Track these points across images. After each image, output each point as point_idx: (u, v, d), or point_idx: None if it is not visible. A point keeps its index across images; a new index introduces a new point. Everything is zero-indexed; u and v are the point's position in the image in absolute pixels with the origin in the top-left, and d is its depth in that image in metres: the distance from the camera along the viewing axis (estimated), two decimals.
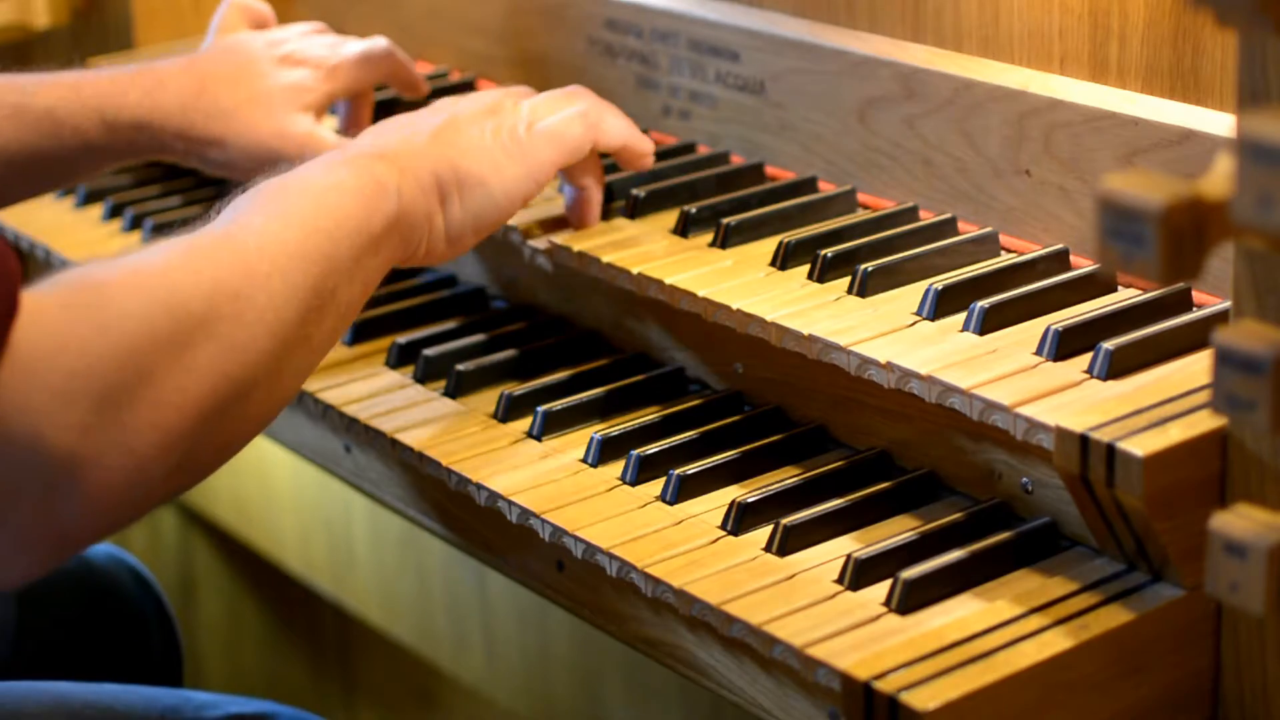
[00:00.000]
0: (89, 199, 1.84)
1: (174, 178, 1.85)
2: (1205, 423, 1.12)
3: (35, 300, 1.05)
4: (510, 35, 1.75)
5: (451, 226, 1.36)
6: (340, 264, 1.25)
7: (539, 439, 1.39)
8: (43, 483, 1.04)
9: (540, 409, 1.39)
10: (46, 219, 1.81)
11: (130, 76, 1.58)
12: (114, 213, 1.80)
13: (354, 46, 1.65)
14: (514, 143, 1.40)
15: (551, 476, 1.34)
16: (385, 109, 1.71)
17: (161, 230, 1.70)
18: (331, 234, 1.25)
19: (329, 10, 1.95)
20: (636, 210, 1.50)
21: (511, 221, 1.49)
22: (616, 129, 1.47)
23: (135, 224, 1.77)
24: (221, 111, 1.57)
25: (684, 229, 1.46)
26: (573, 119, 1.44)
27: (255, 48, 1.63)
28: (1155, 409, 1.14)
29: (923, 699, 1.06)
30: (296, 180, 1.28)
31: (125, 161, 1.61)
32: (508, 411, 1.42)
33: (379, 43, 1.66)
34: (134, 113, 1.55)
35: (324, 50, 1.64)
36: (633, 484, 1.32)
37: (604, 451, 1.35)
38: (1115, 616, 1.13)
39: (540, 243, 1.48)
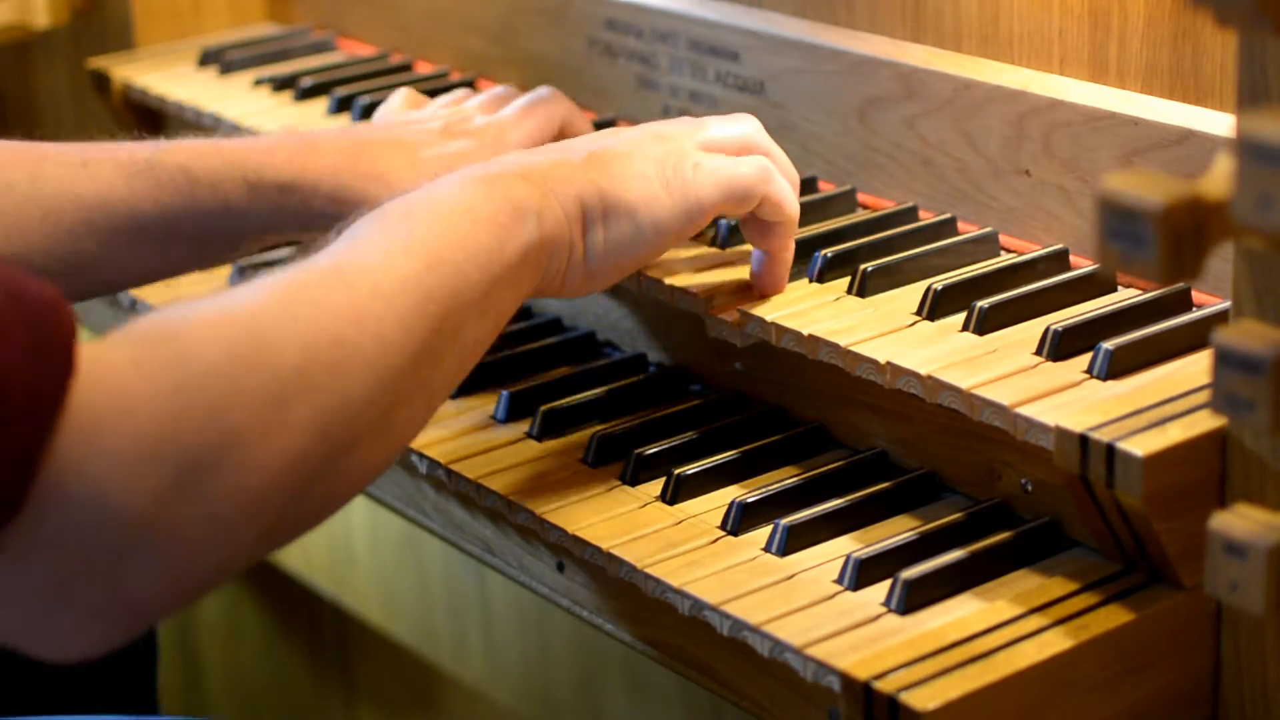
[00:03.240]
0: None
1: None
2: (1205, 423, 1.12)
3: (101, 355, 0.97)
4: (510, 35, 1.75)
5: (593, 258, 1.26)
6: (467, 298, 1.15)
7: (539, 439, 1.39)
8: (112, 554, 0.97)
9: (541, 409, 1.39)
10: None
11: (277, 138, 1.45)
12: None
13: (519, 105, 1.51)
14: (676, 175, 1.28)
15: (551, 476, 1.34)
16: None
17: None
18: (460, 266, 1.15)
19: (329, 10, 1.95)
20: None
21: None
22: (785, 194, 1.32)
23: None
24: (378, 175, 1.42)
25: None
26: (746, 166, 1.30)
27: (416, 118, 1.51)
28: (1155, 409, 1.14)
29: (923, 699, 1.06)
30: (424, 202, 1.18)
31: (270, 235, 1.44)
32: (508, 412, 1.42)
33: (540, 93, 1.53)
34: (281, 173, 1.40)
35: (484, 119, 1.50)
36: (632, 484, 1.33)
37: (604, 451, 1.35)
38: (1115, 616, 1.13)
39: None
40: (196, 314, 1.03)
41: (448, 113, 1.51)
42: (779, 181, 1.32)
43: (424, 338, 1.11)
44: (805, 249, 1.40)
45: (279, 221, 1.42)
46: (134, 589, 0.99)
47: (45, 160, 1.39)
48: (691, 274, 1.39)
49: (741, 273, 1.39)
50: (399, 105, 1.55)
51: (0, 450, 0.93)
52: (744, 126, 1.35)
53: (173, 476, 0.98)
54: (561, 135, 1.52)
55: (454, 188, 1.20)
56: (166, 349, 1.00)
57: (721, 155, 1.31)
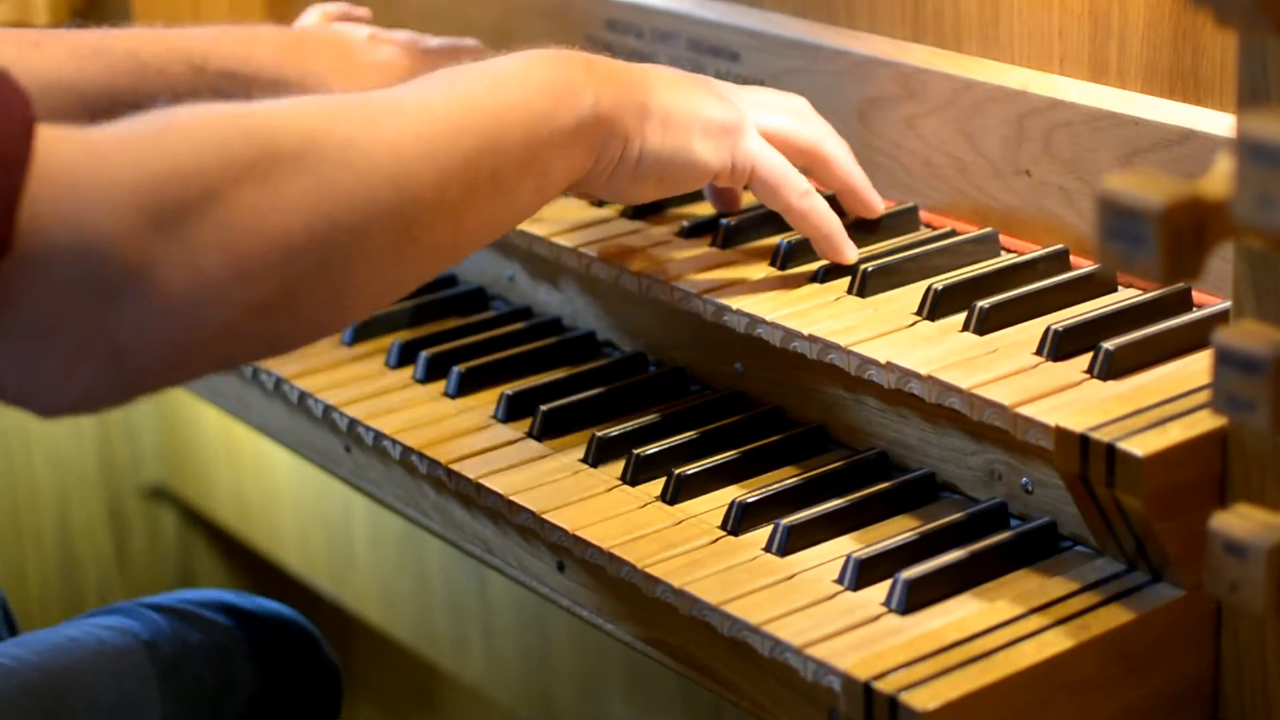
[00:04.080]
0: None
1: None
2: (1205, 423, 1.12)
3: (96, 131, 1.04)
4: (509, 35, 1.75)
5: (646, 157, 1.31)
6: (507, 148, 1.20)
7: (539, 439, 1.39)
8: (97, 295, 1.02)
9: (540, 409, 1.40)
10: None
11: (219, 29, 1.52)
12: None
13: (446, 40, 1.62)
14: (740, 126, 1.34)
15: (551, 476, 1.34)
16: None
17: None
18: (502, 117, 1.20)
19: None
20: (638, 212, 1.50)
21: None
22: (824, 213, 1.38)
23: None
24: (313, 74, 1.50)
25: (686, 230, 1.46)
26: (794, 173, 1.36)
27: (347, 26, 1.59)
28: (1155, 409, 1.14)
29: (923, 699, 1.06)
30: (480, 65, 1.25)
31: None
32: (508, 412, 1.42)
33: (469, 41, 1.63)
34: (225, 61, 1.48)
35: (412, 35, 1.61)
36: (632, 484, 1.32)
37: (604, 451, 1.35)
38: (1115, 616, 1.13)
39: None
40: (215, 107, 1.09)
41: (373, 29, 1.59)
42: (830, 143, 1.39)
43: (450, 167, 1.16)
44: (805, 249, 1.40)
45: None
46: (120, 333, 1.03)
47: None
48: (692, 274, 1.39)
49: (742, 272, 1.39)
50: (317, 18, 1.63)
51: None
52: (802, 102, 1.41)
53: (153, 221, 1.03)
54: None
55: (512, 58, 1.26)
56: (161, 120, 1.07)
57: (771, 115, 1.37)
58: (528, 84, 1.24)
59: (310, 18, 1.64)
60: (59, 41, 1.45)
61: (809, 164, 1.39)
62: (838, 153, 1.40)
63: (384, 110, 1.15)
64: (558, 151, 1.25)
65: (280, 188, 1.08)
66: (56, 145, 1.02)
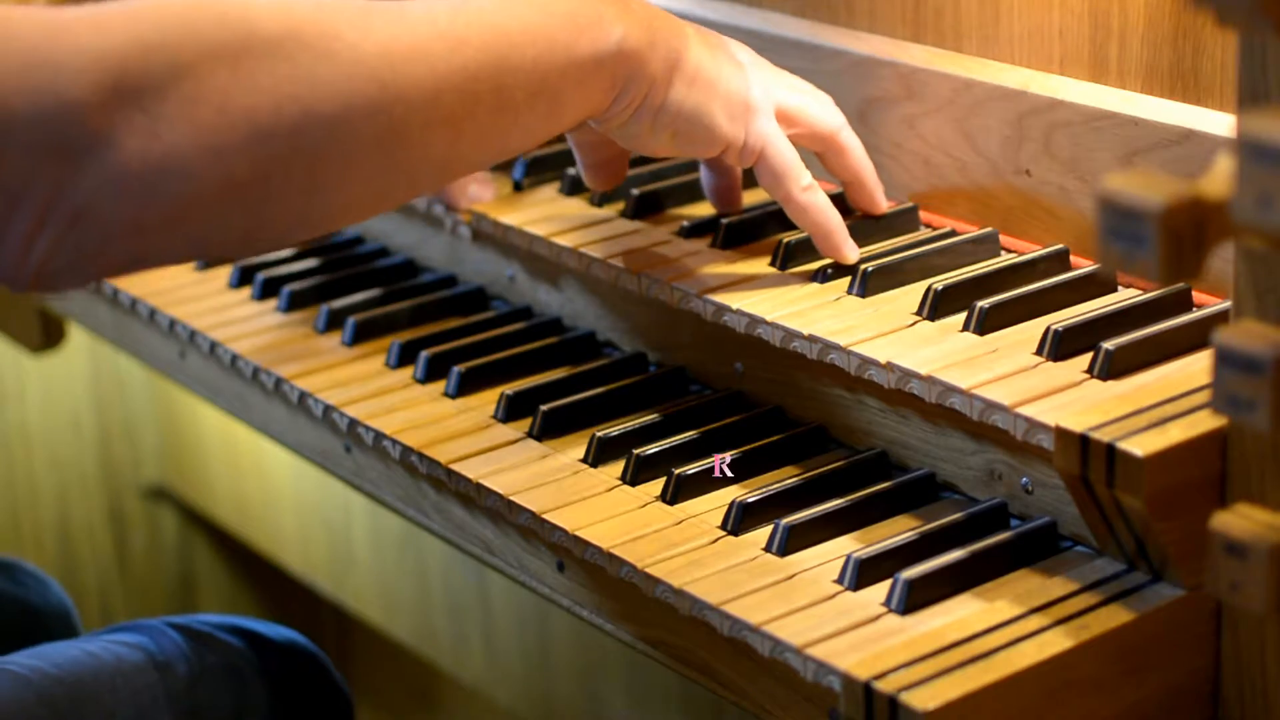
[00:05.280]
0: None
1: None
2: (1205, 423, 1.12)
3: (64, 9, 1.06)
4: None
5: (668, 107, 1.30)
6: (513, 66, 1.19)
7: (539, 439, 1.39)
8: (56, 156, 1.04)
9: (540, 409, 1.40)
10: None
11: None
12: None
13: None
14: (758, 106, 1.34)
15: (551, 476, 1.34)
16: None
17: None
18: (510, 35, 1.19)
19: None
20: (638, 212, 1.50)
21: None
22: (825, 207, 1.37)
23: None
24: None
25: (686, 230, 1.46)
26: (799, 164, 1.36)
27: None
28: (1155, 409, 1.14)
29: (923, 699, 1.06)
30: None
31: None
32: (508, 412, 1.42)
33: None
34: None
35: None
36: (632, 484, 1.33)
37: (604, 451, 1.35)
38: (1115, 616, 1.13)
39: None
40: None
41: None
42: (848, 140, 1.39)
43: (446, 74, 1.16)
44: (806, 248, 1.40)
45: None
46: (81, 196, 1.06)
47: None
48: (692, 274, 1.39)
49: (742, 272, 1.39)
50: None
51: None
52: (830, 119, 1.40)
53: (116, 90, 1.05)
54: None
55: None
56: (127, 4, 1.09)
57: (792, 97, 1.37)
58: (549, 9, 1.23)
59: None
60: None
61: (824, 149, 1.40)
62: (853, 143, 1.40)
63: (381, 13, 1.16)
64: (572, 81, 1.24)
65: (251, 70, 1.09)
66: (21, 22, 1.04)
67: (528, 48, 1.21)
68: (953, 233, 1.43)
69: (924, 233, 1.44)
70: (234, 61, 1.08)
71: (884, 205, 1.43)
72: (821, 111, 1.39)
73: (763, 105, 1.35)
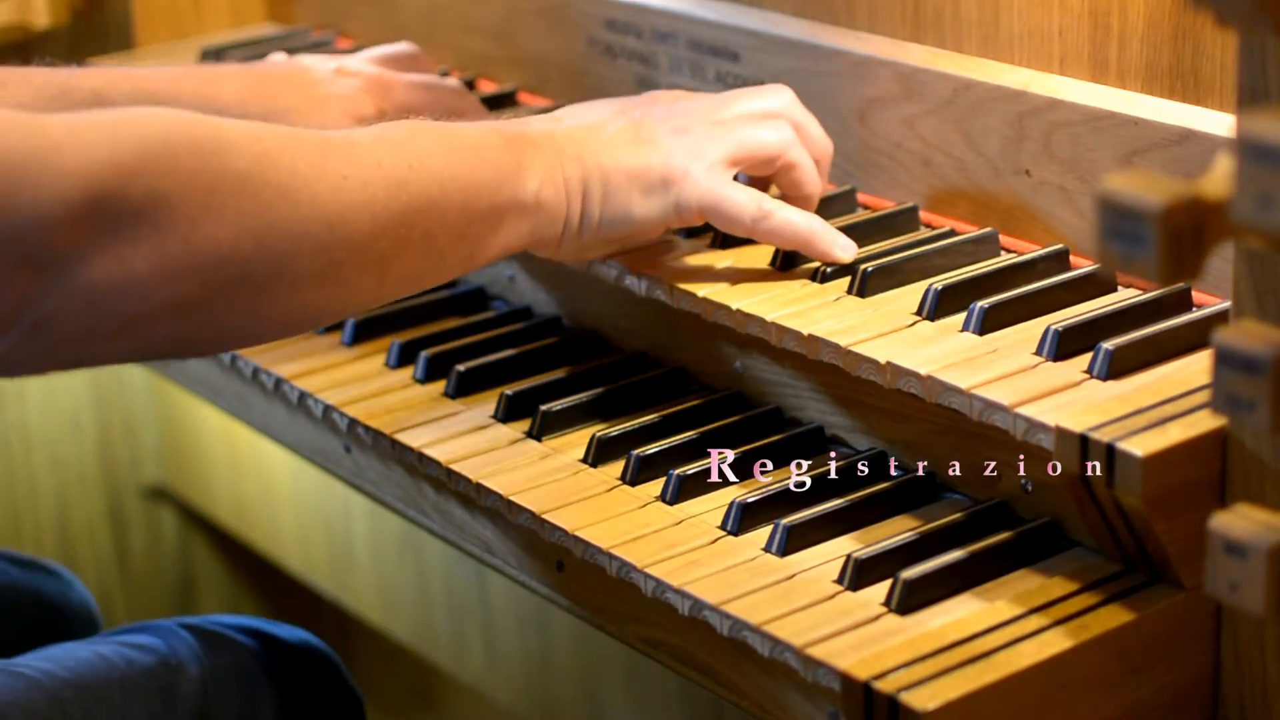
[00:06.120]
0: None
1: None
2: (1205, 423, 1.12)
3: (49, 117, 1.09)
4: (510, 35, 1.75)
5: (586, 232, 1.34)
6: (444, 212, 1.25)
7: (539, 439, 1.39)
8: (25, 267, 1.09)
9: (540, 409, 1.40)
10: None
11: (183, 70, 1.57)
12: None
13: (416, 76, 1.63)
14: (679, 171, 1.35)
15: (551, 476, 1.34)
16: None
17: None
18: (445, 184, 1.25)
19: (329, 10, 1.95)
20: None
21: None
22: (788, 227, 1.37)
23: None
24: (277, 111, 1.54)
25: (686, 230, 1.46)
26: (743, 202, 1.35)
27: (311, 60, 1.62)
28: (1155, 409, 1.14)
29: (923, 699, 1.06)
30: (447, 127, 1.29)
31: None
32: (508, 412, 1.42)
33: (450, 81, 1.63)
34: (189, 101, 1.49)
35: (378, 68, 1.62)
36: (633, 484, 1.33)
37: (604, 451, 1.35)
38: (1115, 616, 1.13)
39: None
40: (156, 108, 1.16)
41: (338, 61, 1.62)
42: (781, 214, 1.36)
43: (386, 219, 1.22)
44: None
45: None
46: (42, 309, 1.11)
47: None
48: (692, 274, 1.39)
49: (742, 272, 1.39)
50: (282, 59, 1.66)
51: None
52: (777, 99, 1.42)
53: (92, 213, 1.10)
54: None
55: (475, 128, 1.31)
56: (109, 115, 1.12)
57: (725, 175, 1.37)
58: (480, 158, 1.28)
59: (277, 57, 1.67)
60: (25, 81, 1.48)
61: (772, 174, 1.41)
62: (800, 159, 1.40)
63: (335, 150, 1.21)
64: (491, 227, 1.29)
65: (220, 205, 1.14)
66: (7, 128, 1.07)
67: (456, 194, 1.26)
68: (952, 232, 1.43)
69: (924, 233, 1.44)
70: (207, 194, 1.14)
71: (833, 248, 1.39)
72: (763, 137, 1.38)
73: (689, 168, 1.35)
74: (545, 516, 1.29)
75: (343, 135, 1.24)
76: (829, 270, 1.37)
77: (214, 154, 1.14)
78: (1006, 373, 1.23)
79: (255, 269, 1.16)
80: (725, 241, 1.43)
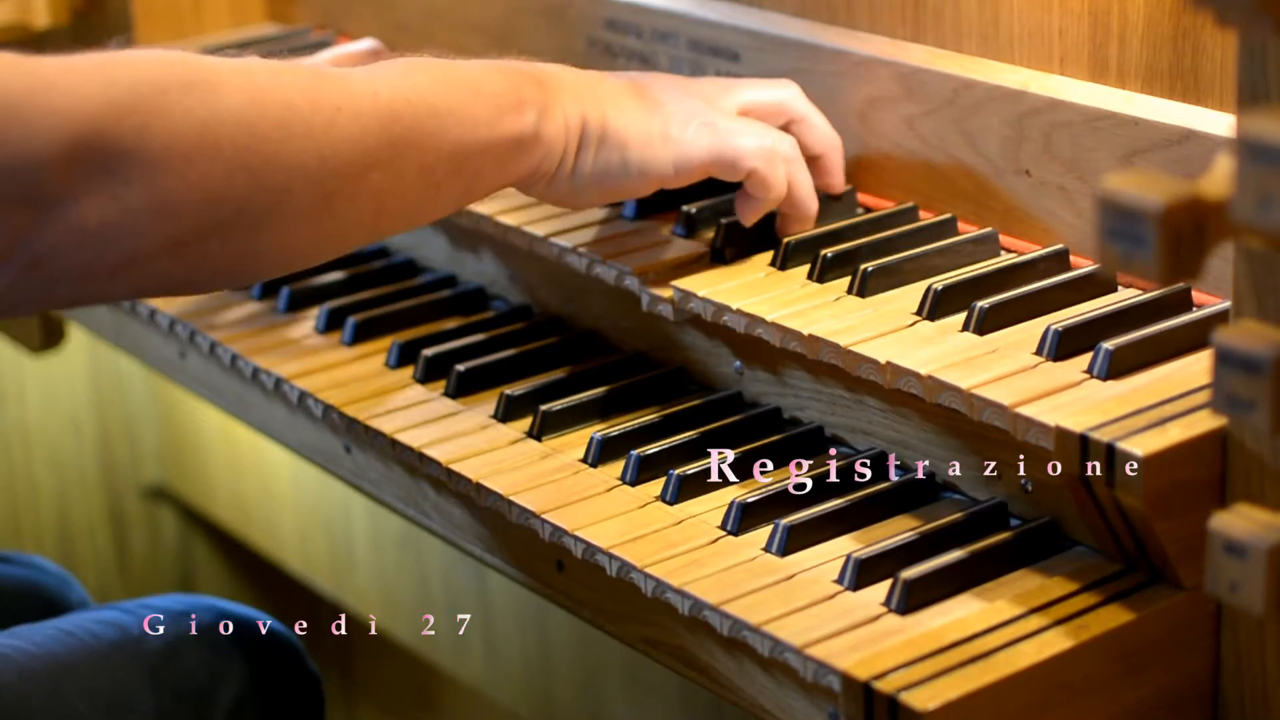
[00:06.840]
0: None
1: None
2: (1205, 423, 1.12)
3: (43, 59, 1.10)
4: (510, 35, 1.75)
5: (579, 177, 1.35)
6: (437, 145, 1.25)
7: (539, 439, 1.39)
8: (22, 205, 1.10)
9: (540, 409, 1.40)
10: None
11: None
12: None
13: (335, 50, 1.64)
14: (679, 129, 1.36)
15: (551, 476, 1.34)
16: None
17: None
18: (441, 117, 1.25)
19: (329, 10, 1.95)
20: (639, 212, 1.50)
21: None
22: (773, 177, 1.38)
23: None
24: None
25: (687, 230, 1.46)
26: (755, 151, 1.37)
27: (317, 58, 1.63)
28: (1155, 409, 1.14)
29: (923, 699, 1.06)
30: (445, 62, 1.29)
31: None
32: (508, 411, 1.42)
33: (363, 44, 1.65)
34: None
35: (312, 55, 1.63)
36: (633, 484, 1.33)
37: (604, 451, 1.35)
38: (1115, 616, 1.13)
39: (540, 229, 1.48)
40: (150, 50, 1.17)
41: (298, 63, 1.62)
42: (773, 166, 1.38)
43: (378, 150, 1.22)
44: (806, 249, 1.40)
45: None
46: (39, 245, 1.11)
47: None
48: (692, 273, 1.39)
49: (742, 272, 1.39)
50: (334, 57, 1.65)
51: None
52: (781, 92, 1.43)
53: (86, 152, 1.10)
54: None
55: (475, 64, 1.31)
56: (102, 56, 1.13)
57: (744, 120, 1.39)
58: (477, 93, 1.28)
59: (325, 56, 1.66)
60: None
61: (786, 126, 1.43)
62: (809, 113, 1.43)
63: (329, 84, 1.21)
64: (491, 160, 1.29)
65: (214, 141, 1.14)
66: (13, 69, 1.08)
67: (453, 127, 1.26)
68: (953, 229, 1.42)
69: (923, 233, 1.44)
70: (200, 131, 1.14)
71: (840, 185, 1.45)
72: (770, 94, 1.41)
73: (708, 110, 1.37)
74: (545, 516, 1.29)
75: (337, 70, 1.24)
76: (828, 255, 1.37)
77: (207, 91, 1.14)
78: (1006, 373, 1.23)
79: (251, 205, 1.17)
80: (726, 241, 1.43)
